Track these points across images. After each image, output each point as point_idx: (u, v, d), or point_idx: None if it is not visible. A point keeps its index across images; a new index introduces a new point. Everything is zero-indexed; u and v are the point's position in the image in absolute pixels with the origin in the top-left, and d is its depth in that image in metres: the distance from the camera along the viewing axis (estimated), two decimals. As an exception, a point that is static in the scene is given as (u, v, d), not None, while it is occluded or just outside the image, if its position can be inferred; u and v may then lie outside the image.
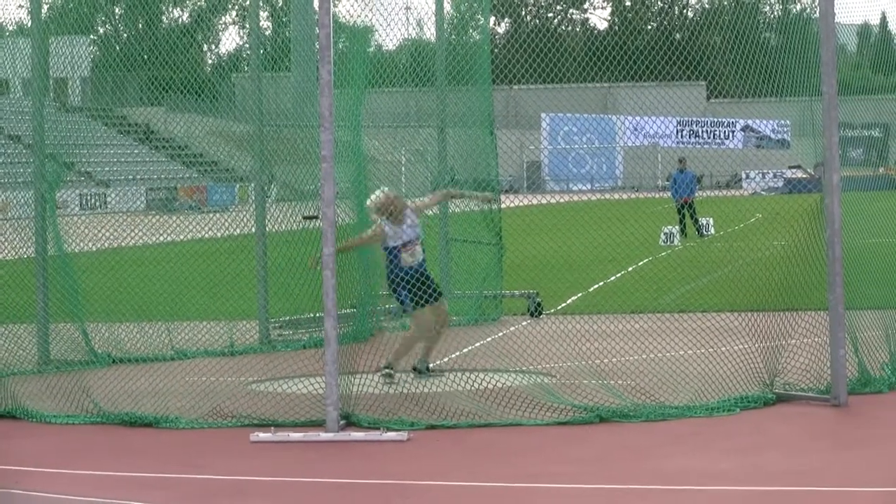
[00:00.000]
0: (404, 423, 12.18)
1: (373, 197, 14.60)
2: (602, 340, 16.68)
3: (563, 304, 21.10)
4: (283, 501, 10.05)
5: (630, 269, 27.10)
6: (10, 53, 17.77)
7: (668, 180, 42.06)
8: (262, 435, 11.91)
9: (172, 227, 26.06)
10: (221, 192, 52.53)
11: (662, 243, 34.17)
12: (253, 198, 18.23)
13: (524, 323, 19.15)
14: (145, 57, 19.16)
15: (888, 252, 15.71)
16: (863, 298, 13.93)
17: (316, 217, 15.01)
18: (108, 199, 52.95)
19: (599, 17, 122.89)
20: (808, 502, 9.62)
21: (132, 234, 28.01)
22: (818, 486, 9.95)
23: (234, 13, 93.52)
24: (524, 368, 14.84)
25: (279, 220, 17.55)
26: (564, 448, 11.40)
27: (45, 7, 17.14)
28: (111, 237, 22.32)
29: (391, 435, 11.82)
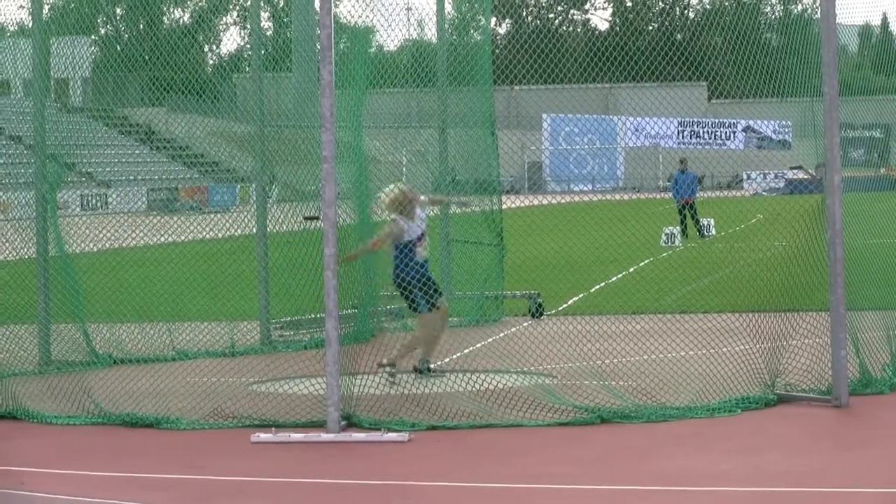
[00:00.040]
0: (405, 424, 12.18)
1: (388, 192, 14.44)
2: (603, 341, 16.67)
3: (565, 305, 21.10)
4: (284, 502, 10.05)
5: (631, 269, 27.10)
6: (12, 54, 17.79)
7: (669, 181, 42.05)
8: (263, 435, 11.91)
9: (173, 228, 26.08)
10: (222, 193, 52.53)
11: (663, 244, 34.17)
12: (254, 198, 18.24)
13: (525, 324, 19.15)
14: (146, 57, 19.17)
15: (889, 253, 15.70)
16: (864, 299, 13.92)
17: (317, 218, 14.99)
18: (110, 199, 52.92)
19: (600, 18, 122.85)
20: (809, 503, 9.62)
21: (133, 235, 28.00)
22: (819, 487, 9.95)
23: (235, 14, 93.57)
24: (525, 369, 14.84)
25: (280, 220, 17.54)
26: (565, 449, 11.40)
27: (47, 7, 17.16)
28: (112, 238, 22.30)
29: (392, 436, 11.82)
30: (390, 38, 17.41)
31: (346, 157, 15.18)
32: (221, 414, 12.88)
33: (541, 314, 19.77)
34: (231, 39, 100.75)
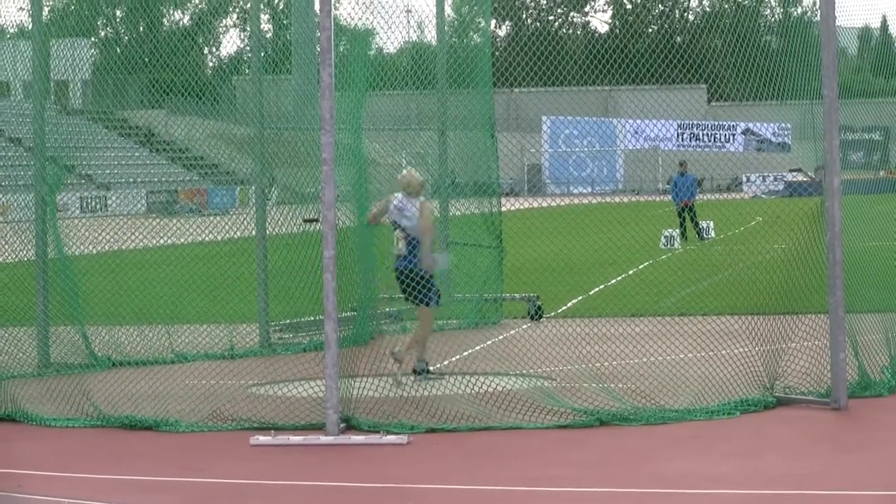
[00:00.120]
0: (404, 427, 12.18)
1: (415, 174, 14.70)
2: (602, 344, 16.67)
3: (564, 308, 21.09)
4: (283, 505, 10.05)
5: (630, 272, 27.09)
6: (11, 56, 17.78)
7: (668, 183, 42.02)
8: (262, 438, 11.91)
9: (173, 230, 26.07)
10: (222, 195, 52.50)
11: (663, 246, 34.16)
12: (253, 201, 18.24)
13: (524, 326, 19.15)
14: (146, 60, 19.16)
15: (888, 255, 15.70)
16: (863, 302, 13.93)
17: (316, 220, 15.00)
18: (109, 201, 52.91)
19: (600, 21, 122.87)
20: (808, 506, 9.62)
21: (133, 237, 27.97)
22: (818, 490, 9.95)
23: (234, 16, 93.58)
24: (524, 372, 14.84)
25: (279, 223, 17.54)
26: (564, 451, 11.39)
27: (46, 9, 17.16)
28: (111, 240, 22.27)
29: (391, 438, 11.82)
30: (390, 41, 17.40)
31: (345, 160, 15.18)
32: (220, 416, 12.88)
33: (540, 316, 19.77)
34: (231, 42, 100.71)
